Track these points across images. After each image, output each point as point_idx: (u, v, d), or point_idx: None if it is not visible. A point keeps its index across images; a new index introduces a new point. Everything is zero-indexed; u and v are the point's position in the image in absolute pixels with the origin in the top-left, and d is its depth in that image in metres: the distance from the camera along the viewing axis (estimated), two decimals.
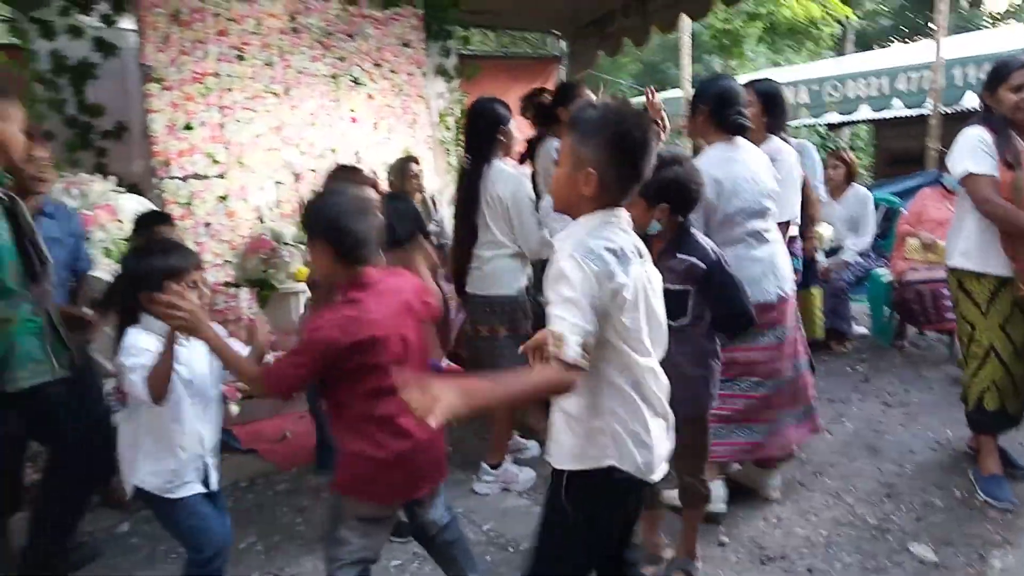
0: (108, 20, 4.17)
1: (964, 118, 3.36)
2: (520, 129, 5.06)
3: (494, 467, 3.23)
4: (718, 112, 2.77)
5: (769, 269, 2.80)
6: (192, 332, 1.85)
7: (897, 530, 2.79)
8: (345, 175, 3.47)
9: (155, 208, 3.52)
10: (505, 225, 3.05)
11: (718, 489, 2.88)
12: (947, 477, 3.20)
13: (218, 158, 4.28)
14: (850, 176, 5.26)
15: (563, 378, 1.47)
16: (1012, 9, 21.26)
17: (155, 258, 1.99)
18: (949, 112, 6.95)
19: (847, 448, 3.54)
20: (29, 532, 2.50)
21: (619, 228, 1.61)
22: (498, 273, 3.09)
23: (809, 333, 4.31)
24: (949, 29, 7.45)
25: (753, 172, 2.77)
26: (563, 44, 7.07)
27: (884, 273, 5.07)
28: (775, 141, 3.23)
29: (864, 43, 20.70)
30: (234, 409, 3.72)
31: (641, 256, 1.64)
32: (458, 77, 5.70)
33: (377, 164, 4.96)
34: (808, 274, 4.35)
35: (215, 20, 4.27)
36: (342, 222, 1.84)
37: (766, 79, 3.55)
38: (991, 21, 20.72)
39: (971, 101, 6.67)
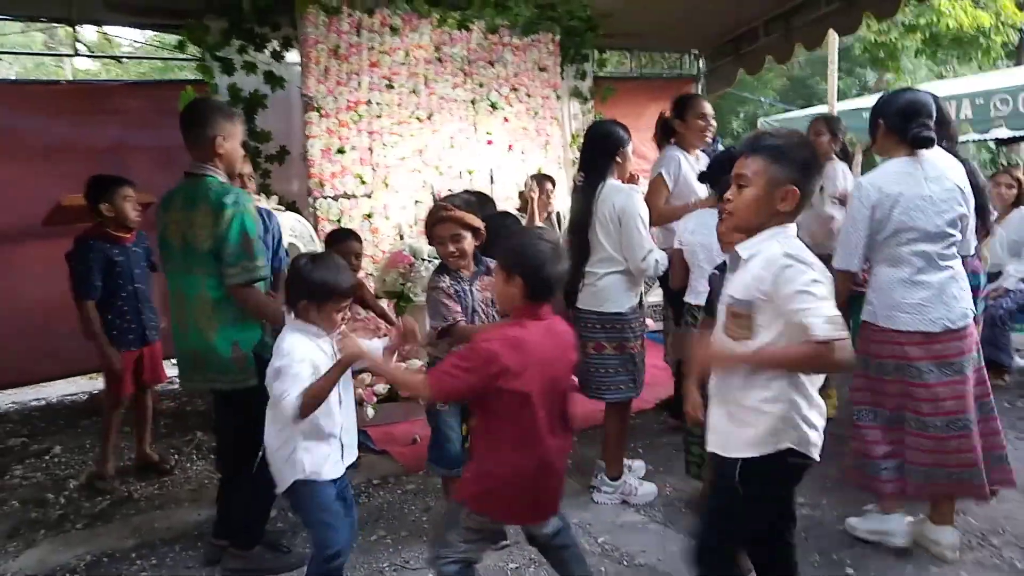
0: (277, 56, 4.66)
1: None
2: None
3: (613, 479, 3.26)
4: (898, 127, 2.66)
5: (937, 298, 2.59)
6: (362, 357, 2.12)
7: None
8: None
9: (310, 225, 3.88)
10: (617, 241, 3.07)
11: (949, 536, 2.72)
12: None
13: (366, 179, 4.65)
14: (1019, 198, 4.85)
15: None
16: None
17: (329, 272, 2.19)
18: None
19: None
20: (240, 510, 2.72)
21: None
22: (609, 290, 3.10)
23: None
24: None
25: (936, 192, 2.61)
26: (701, 63, 7.00)
27: None
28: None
29: None
30: (370, 412, 3.99)
31: None
32: (593, 99, 5.83)
33: (509, 184, 5.18)
34: None
35: (369, 53, 4.67)
36: (543, 268, 2.00)
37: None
38: None
39: None
